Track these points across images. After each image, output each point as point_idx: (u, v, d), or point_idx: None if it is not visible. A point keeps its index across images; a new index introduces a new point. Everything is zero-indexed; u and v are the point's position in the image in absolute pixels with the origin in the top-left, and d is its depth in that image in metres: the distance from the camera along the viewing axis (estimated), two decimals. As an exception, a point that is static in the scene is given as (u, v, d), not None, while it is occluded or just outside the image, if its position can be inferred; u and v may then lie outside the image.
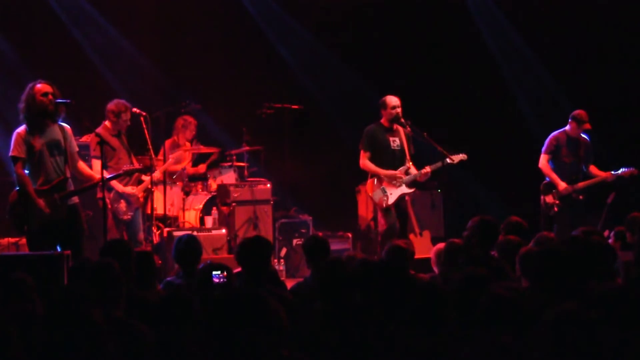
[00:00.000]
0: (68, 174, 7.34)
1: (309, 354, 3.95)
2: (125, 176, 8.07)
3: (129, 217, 8.96)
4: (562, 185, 9.58)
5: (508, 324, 3.97)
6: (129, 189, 8.94)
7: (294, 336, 4.10)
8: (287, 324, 3.40)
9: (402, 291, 4.91)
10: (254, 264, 5.47)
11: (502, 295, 4.03)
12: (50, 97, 7.22)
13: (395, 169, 9.13)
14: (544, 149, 9.74)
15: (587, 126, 9.64)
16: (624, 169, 9.64)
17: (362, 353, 4.12)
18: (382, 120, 9.25)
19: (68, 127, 7.45)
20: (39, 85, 7.25)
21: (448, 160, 9.08)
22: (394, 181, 9.09)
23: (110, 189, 8.73)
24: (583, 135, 9.75)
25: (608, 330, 3.42)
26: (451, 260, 5.88)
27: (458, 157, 9.14)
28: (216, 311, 3.50)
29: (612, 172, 9.65)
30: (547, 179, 9.70)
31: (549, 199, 9.64)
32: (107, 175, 7.66)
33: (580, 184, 9.62)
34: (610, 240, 7.40)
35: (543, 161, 9.73)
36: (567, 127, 9.69)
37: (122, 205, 8.92)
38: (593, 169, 9.75)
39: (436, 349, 3.93)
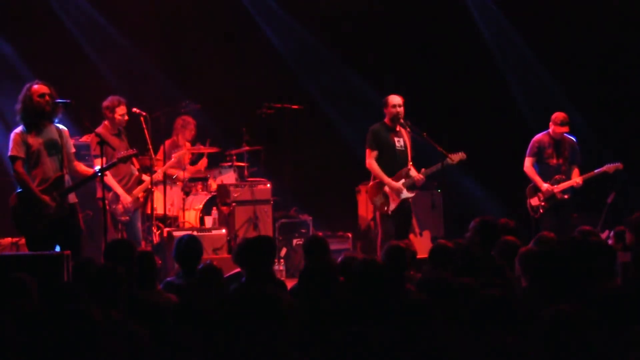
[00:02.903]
0: (65, 172, 7.35)
1: (308, 353, 3.95)
2: (120, 163, 7.97)
3: (127, 218, 8.97)
4: (544, 186, 9.57)
5: (506, 324, 3.97)
6: (125, 197, 8.93)
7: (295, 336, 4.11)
8: (297, 324, 3.41)
9: (401, 291, 4.92)
10: (259, 265, 5.47)
11: (498, 295, 4.03)
12: (47, 97, 7.23)
13: (399, 169, 9.06)
14: (527, 152, 9.74)
15: (565, 129, 9.58)
16: (608, 165, 9.61)
17: (362, 353, 4.12)
18: (386, 120, 9.18)
19: (65, 128, 7.45)
20: (35, 86, 7.26)
21: (448, 160, 9.02)
22: (396, 192, 9.01)
23: (109, 189, 8.74)
24: (568, 136, 9.72)
25: (604, 331, 3.43)
26: (436, 262, 5.86)
27: (457, 157, 9.08)
28: (228, 311, 3.50)
29: (595, 171, 9.62)
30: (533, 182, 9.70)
31: (534, 201, 9.63)
32: (106, 174, 7.66)
33: (563, 184, 9.58)
34: (610, 241, 7.38)
35: (527, 164, 9.72)
36: (550, 129, 9.69)
37: (120, 206, 8.94)
38: (575, 172, 9.69)
39: (436, 349, 3.93)
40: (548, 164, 9.66)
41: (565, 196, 9.59)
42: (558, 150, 9.65)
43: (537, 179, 9.62)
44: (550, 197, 9.56)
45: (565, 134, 9.65)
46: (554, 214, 9.56)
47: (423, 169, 9.03)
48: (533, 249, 5.64)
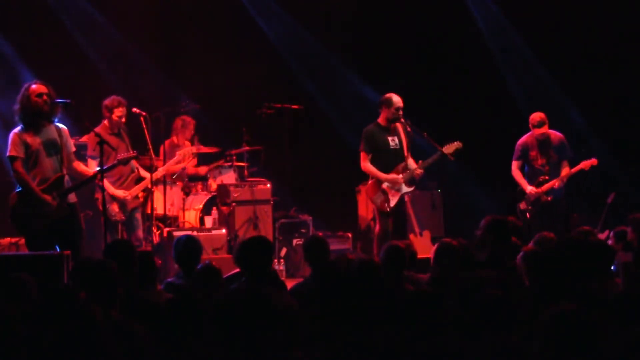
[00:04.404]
0: (65, 172, 7.35)
1: (309, 353, 3.95)
2: (119, 165, 8.03)
3: (123, 218, 8.95)
4: (528, 188, 9.56)
5: (507, 324, 3.98)
6: (119, 192, 8.91)
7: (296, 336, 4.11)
8: (297, 324, 3.40)
9: (398, 292, 4.92)
10: (257, 265, 5.47)
11: (500, 295, 4.03)
12: (45, 97, 7.23)
13: (394, 168, 9.06)
14: (513, 156, 9.74)
15: (542, 129, 9.52)
16: (584, 161, 9.57)
17: (363, 353, 4.12)
18: (380, 120, 9.12)
19: (65, 127, 7.46)
20: (34, 86, 7.26)
21: (445, 151, 8.98)
22: (395, 186, 9.02)
23: (103, 190, 8.72)
24: (555, 132, 9.69)
25: (606, 331, 3.43)
26: (442, 261, 5.84)
27: (453, 146, 9.04)
28: (224, 311, 3.50)
29: (570, 170, 9.57)
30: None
31: (522, 205, 9.62)
32: (105, 178, 7.69)
33: (545, 186, 9.55)
34: (610, 241, 7.38)
35: (513, 168, 9.72)
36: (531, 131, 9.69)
37: (114, 206, 8.91)
38: (564, 168, 9.63)
39: (436, 349, 3.93)
40: (534, 166, 9.66)
41: (549, 198, 9.54)
42: (542, 150, 9.63)
43: (522, 182, 9.62)
44: (536, 200, 9.54)
45: (550, 132, 9.61)
46: (541, 216, 9.52)
47: (420, 161, 9.03)
48: (534, 249, 5.64)
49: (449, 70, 12.25)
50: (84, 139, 9.17)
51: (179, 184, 10.29)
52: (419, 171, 9.02)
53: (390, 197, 9.01)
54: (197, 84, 11.55)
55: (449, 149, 9.00)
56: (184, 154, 9.92)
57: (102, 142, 7.39)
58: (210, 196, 10.45)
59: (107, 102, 8.91)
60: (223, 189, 10.42)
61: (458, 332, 4.04)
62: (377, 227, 9.10)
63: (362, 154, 9.10)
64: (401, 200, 9.07)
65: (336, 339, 4.17)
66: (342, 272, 5.18)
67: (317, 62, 12.40)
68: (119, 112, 8.88)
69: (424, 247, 9.61)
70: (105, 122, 8.94)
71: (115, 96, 8.98)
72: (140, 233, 9.14)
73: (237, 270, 5.88)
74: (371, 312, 4.44)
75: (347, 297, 4.74)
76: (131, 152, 8.29)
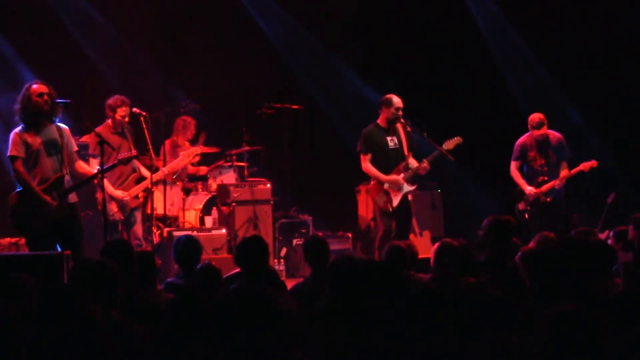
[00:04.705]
0: (65, 172, 7.35)
1: (310, 353, 3.95)
2: (120, 164, 8.02)
3: (122, 218, 8.95)
4: (527, 189, 9.56)
5: (507, 324, 3.97)
6: (118, 193, 8.91)
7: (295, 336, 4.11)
8: (297, 324, 3.40)
9: (400, 292, 4.92)
10: (254, 264, 5.48)
11: (500, 295, 4.03)
12: (45, 97, 7.23)
13: (393, 168, 9.05)
14: (512, 156, 9.73)
15: (541, 131, 9.52)
16: (584, 163, 9.57)
17: (363, 353, 4.12)
18: (380, 120, 9.13)
19: (66, 127, 7.46)
20: (34, 86, 7.26)
21: (445, 147, 8.97)
22: (397, 186, 9.01)
23: (104, 190, 8.73)
24: (553, 132, 9.68)
25: (607, 331, 3.43)
26: (442, 261, 5.83)
27: (453, 142, 9.04)
28: (224, 311, 3.50)
29: (570, 172, 9.57)
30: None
31: (521, 206, 9.62)
32: (105, 177, 7.69)
33: (545, 186, 9.55)
34: (610, 241, 7.37)
35: (512, 168, 9.72)
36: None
37: (113, 206, 8.91)
38: (563, 170, 9.63)
39: (436, 349, 3.93)
40: (532, 166, 9.66)
41: (548, 199, 9.53)
42: (541, 151, 9.62)
43: (521, 182, 9.61)
44: (535, 201, 9.54)
45: (549, 132, 9.60)
46: (540, 216, 9.52)
47: (424, 160, 8.99)
48: (533, 249, 5.64)
49: (449, 70, 12.25)
50: (85, 138, 9.18)
51: (179, 184, 10.29)
52: (425, 164, 8.98)
53: (393, 197, 9.00)
54: (197, 84, 11.55)
55: (449, 144, 9.00)
56: (187, 154, 9.91)
57: (102, 142, 7.39)
58: (210, 196, 10.45)
59: (110, 101, 8.92)
60: (223, 189, 10.42)
61: (458, 332, 4.04)
62: (379, 228, 9.10)
63: (362, 156, 9.09)
64: (404, 200, 9.05)
65: (336, 339, 4.17)
66: (341, 271, 5.17)
67: (317, 62, 12.40)
68: (122, 112, 8.88)
69: (424, 247, 9.61)
70: (109, 121, 8.95)
71: (119, 95, 8.99)
72: (140, 233, 9.14)
73: (237, 270, 5.89)
74: (371, 312, 4.44)
75: (347, 297, 4.74)
76: (132, 151, 8.29)
